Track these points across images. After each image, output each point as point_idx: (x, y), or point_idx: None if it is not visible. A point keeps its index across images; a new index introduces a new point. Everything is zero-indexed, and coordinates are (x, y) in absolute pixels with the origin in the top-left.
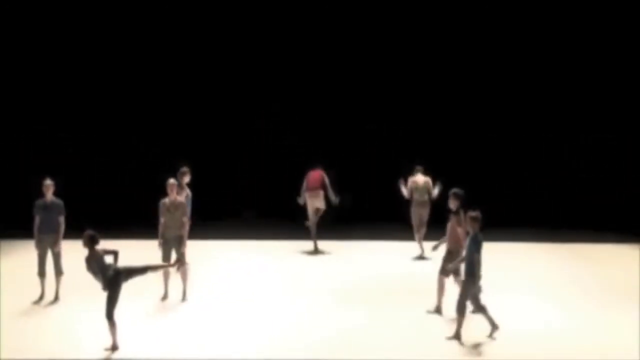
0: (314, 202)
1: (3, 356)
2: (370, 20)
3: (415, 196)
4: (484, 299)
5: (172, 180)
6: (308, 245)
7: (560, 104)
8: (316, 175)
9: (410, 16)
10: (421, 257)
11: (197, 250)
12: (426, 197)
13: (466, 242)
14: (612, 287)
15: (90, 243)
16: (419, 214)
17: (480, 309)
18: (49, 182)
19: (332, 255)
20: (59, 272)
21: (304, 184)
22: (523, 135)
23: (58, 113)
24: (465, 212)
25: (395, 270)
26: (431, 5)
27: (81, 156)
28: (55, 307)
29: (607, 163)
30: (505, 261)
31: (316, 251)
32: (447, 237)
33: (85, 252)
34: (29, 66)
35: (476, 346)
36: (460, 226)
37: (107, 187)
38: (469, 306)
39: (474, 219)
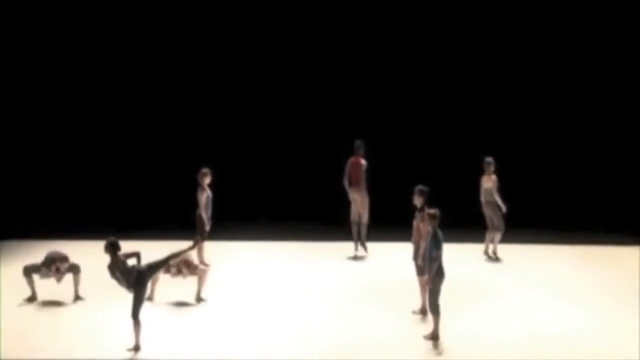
0: (357, 198)
1: (20, 356)
2: (371, 20)
3: (482, 198)
4: (485, 301)
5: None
6: (317, 246)
7: (560, 104)
8: (357, 164)
9: (412, 17)
10: (495, 259)
11: (210, 251)
12: (491, 198)
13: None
14: (613, 288)
15: (112, 250)
16: (488, 216)
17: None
18: None
19: (343, 257)
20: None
21: (347, 174)
22: (523, 135)
23: (58, 113)
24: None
25: (405, 273)
26: (433, 6)
27: (81, 156)
28: (73, 307)
29: (607, 163)
30: (510, 263)
31: (356, 257)
32: (413, 235)
33: (104, 256)
34: (28, 66)
35: (484, 347)
36: (424, 223)
37: (107, 187)
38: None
39: (432, 216)
